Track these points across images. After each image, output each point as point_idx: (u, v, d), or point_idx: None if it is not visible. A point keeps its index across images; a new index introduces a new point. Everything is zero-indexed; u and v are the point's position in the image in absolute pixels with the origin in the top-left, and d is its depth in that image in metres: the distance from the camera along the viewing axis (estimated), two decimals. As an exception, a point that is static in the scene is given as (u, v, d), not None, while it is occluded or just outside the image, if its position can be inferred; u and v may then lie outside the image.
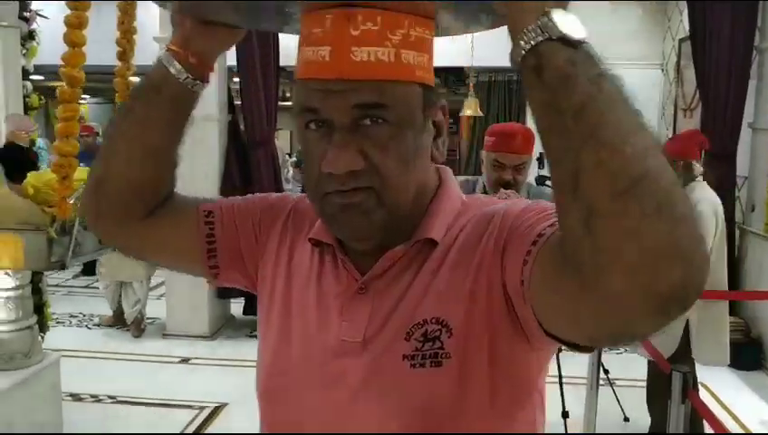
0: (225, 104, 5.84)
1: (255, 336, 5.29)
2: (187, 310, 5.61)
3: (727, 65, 5.33)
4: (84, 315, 6.29)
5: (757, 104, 5.42)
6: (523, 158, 2.69)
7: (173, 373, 5.02)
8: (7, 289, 3.48)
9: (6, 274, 3.47)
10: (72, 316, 6.24)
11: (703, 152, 5.23)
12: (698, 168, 3.76)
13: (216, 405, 4.36)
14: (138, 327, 5.76)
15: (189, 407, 4.35)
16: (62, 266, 2.80)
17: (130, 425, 4.11)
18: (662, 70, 7.61)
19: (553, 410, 3.56)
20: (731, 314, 5.23)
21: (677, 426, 2.39)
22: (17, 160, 4.66)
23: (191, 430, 4.06)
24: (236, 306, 6.18)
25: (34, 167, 5.86)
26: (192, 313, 5.61)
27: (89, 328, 6.01)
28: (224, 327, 5.92)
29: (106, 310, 6.13)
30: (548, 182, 4.26)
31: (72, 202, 2.69)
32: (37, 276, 3.77)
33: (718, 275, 3.67)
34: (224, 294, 5.80)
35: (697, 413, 3.64)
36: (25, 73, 3.70)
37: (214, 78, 4.51)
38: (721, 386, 4.60)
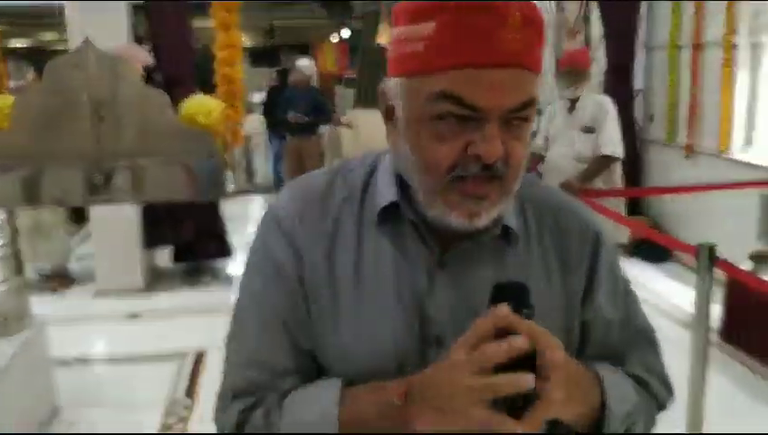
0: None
1: (193, 284, 5.17)
2: (118, 264, 5.29)
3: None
4: None
5: (649, 24, 6.04)
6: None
7: (130, 329, 4.78)
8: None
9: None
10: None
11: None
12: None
13: (198, 351, 4.25)
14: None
15: (171, 356, 4.20)
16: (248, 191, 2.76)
17: (121, 384, 3.93)
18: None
19: None
20: (640, 214, 5.94)
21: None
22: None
23: (186, 376, 3.95)
24: (161, 257, 5.93)
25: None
26: (123, 266, 5.31)
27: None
28: (156, 279, 5.66)
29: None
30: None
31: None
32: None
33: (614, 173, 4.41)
34: (151, 243, 5.56)
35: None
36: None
37: (117, 15, 4.27)
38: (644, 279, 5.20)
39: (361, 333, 0.93)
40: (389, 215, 0.93)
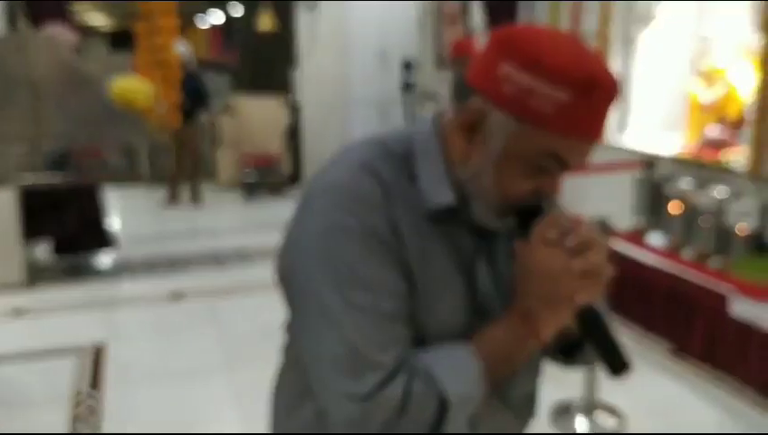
0: None
1: (78, 278, 5.17)
2: (-3, 258, 4.97)
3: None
4: None
5: (529, 15, 6.36)
6: None
7: (15, 326, 4.53)
8: None
9: None
10: None
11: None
12: None
13: (96, 344, 4.12)
14: None
15: (67, 352, 4.05)
16: None
17: (16, 383, 3.74)
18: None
19: None
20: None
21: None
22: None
23: (88, 370, 3.83)
24: (39, 251, 5.66)
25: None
26: (3, 261, 4.99)
27: None
28: (36, 274, 5.36)
29: None
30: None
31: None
32: None
33: None
34: (31, 235, 5.25)
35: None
36: None
37: None
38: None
39: (440, 307, 1.03)
40: (440, 208, 1.03)
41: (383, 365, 0.96)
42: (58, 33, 3.73)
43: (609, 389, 3.40)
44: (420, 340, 1.02)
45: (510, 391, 1.13)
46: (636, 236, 4.36)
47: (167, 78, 2.53)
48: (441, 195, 1.03)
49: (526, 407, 1.20)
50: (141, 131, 2.33)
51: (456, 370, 0.99)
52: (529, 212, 1.01)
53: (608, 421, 3.36)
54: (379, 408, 0.96)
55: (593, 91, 0.92)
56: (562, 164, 0.98)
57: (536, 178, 0.99)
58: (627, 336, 4.21)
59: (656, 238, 4.42)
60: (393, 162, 1.04)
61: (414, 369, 0.98)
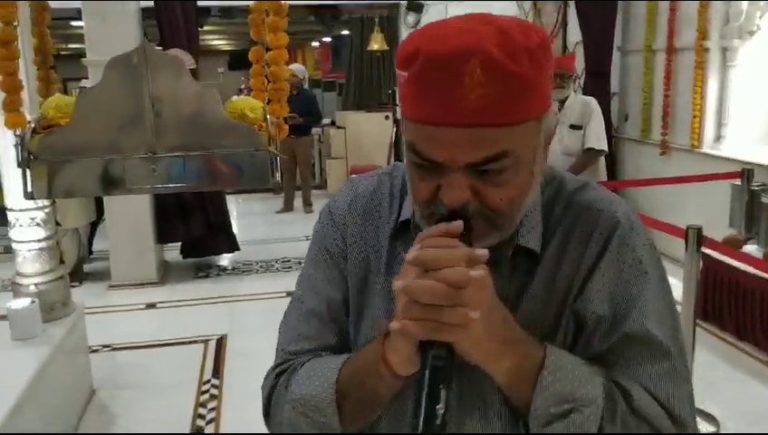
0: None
1: (203, 277, 5.46)
2: (133, 258, 5.53)
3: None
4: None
5: (624, 29, 6.45)
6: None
7: (149, 318, 5.05)
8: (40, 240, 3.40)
9: (38, 224, 3.39)
10: None
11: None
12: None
13: (219, 336, 4.54)
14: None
15: (193, 342, 4.48)
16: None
17: (149, 368, 4.17)
18: (517, 3, 8.49)
19: None
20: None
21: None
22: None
23: (211, 359, 4.23)
24: (169, 253, 6.20)
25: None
26: (138, 260, 5.55)
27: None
28: (166, 273, 5.91)
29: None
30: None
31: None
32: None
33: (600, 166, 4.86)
34: (163, 238, 5.81)
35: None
36: None
37: (128, 20, 4.67)
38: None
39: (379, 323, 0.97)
40: (410, 224, 0.98)
41: (283, 354, 1.03)
42: (179, 53, 4.10)
43: (705, 397, 3.41)
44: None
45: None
46: (732, 245, 4.35)
47: (275, 91, 2.77)
48: (406, 210, 0.98)
49: None
50: (253, 144, 2.56)
51: (314, 372, 0.95)
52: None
53: (705, 429, 3.34)
54: (264, 388, 1.03)
55: (415, 62, 0.79)
56: (424, 159, 0.83)
57: (429, 181, 0.85)
58: (722, 344, 4.24)
59: (752, 247, 4.42)
60: (384, 183, 1.04)
61: (291, 369, 1.00)
